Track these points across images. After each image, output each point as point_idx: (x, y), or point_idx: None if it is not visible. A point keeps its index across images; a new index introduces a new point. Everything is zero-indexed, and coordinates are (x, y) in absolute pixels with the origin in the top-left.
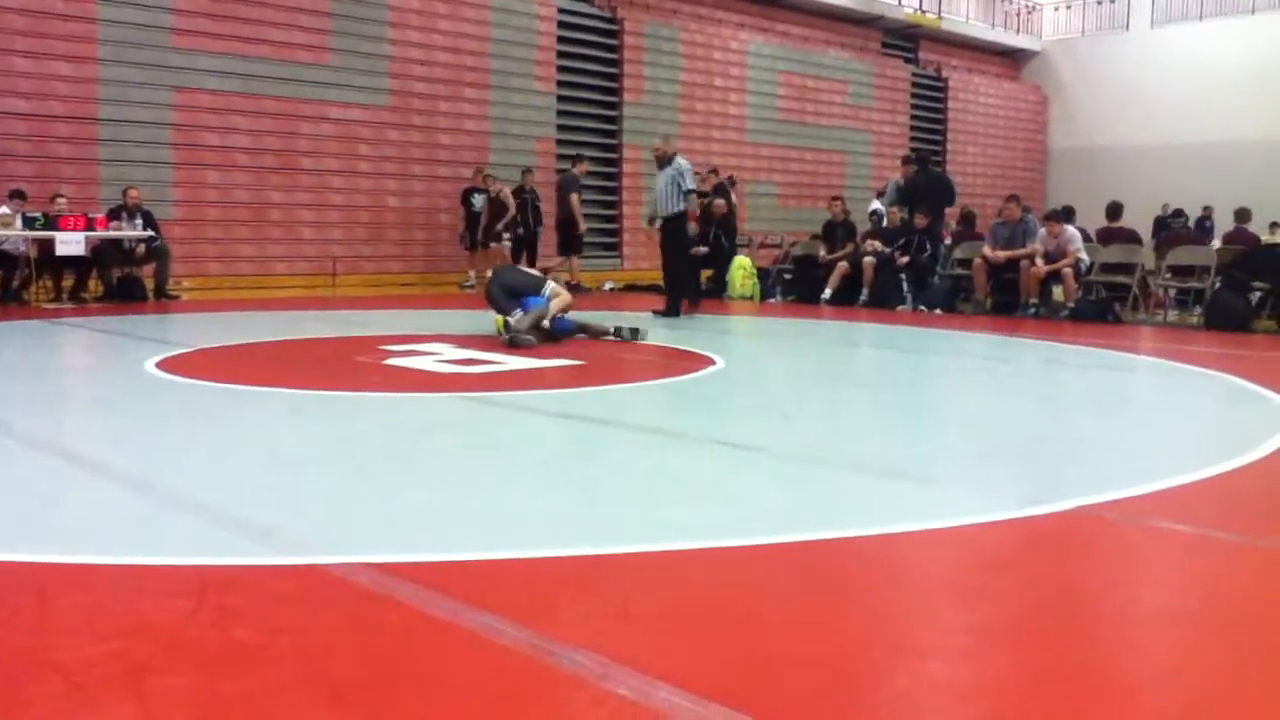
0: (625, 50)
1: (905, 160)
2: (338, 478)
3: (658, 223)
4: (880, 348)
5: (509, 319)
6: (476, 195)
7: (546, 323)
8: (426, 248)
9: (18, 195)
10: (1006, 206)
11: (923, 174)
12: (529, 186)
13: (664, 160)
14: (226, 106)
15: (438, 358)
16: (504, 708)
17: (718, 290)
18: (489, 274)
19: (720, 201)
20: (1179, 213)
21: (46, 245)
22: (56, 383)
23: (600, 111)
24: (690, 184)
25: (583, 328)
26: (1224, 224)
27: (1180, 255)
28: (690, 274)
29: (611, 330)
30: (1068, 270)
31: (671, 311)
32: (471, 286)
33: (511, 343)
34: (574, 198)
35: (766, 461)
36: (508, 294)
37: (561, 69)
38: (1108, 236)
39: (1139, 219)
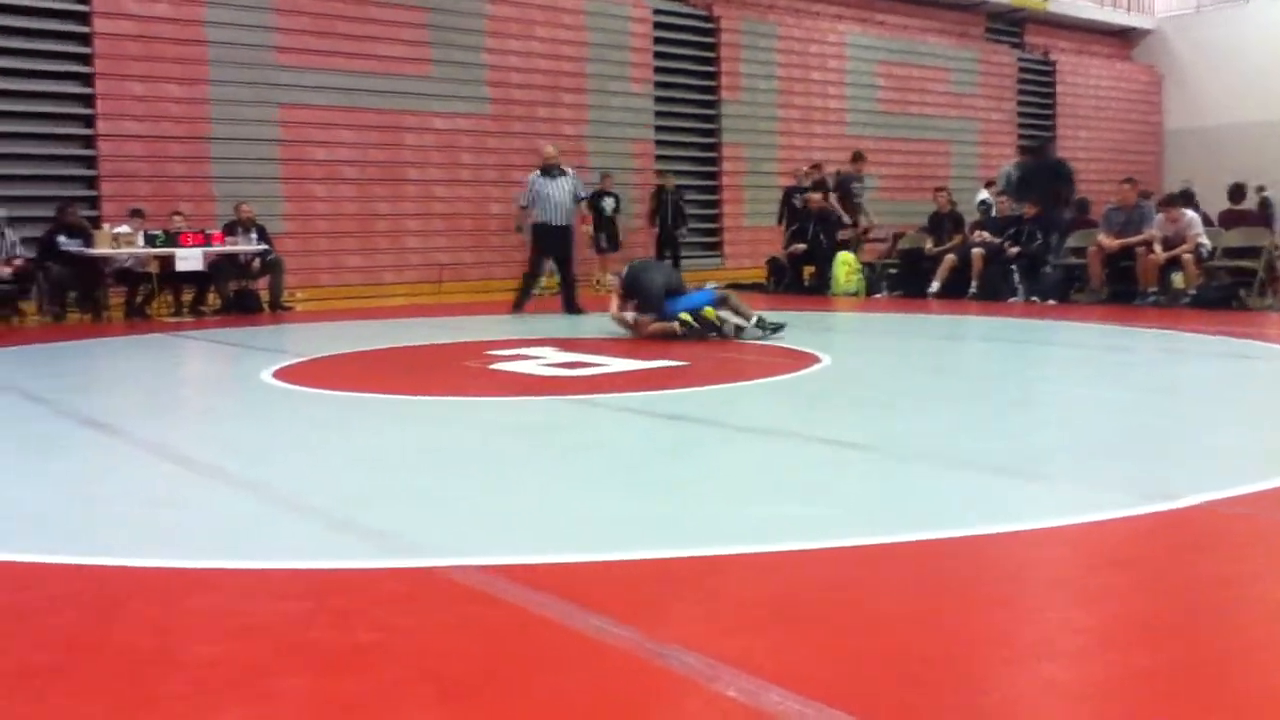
0: (722, 48)
1: (1022, 150)
2: (446, 481)
3: (524, 230)
4: (989, 341)
5: (694, 317)
6: (606, 198)
7: (740, 320)
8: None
9: (137, 214)
10: (1122, 190)
11: (1039, 161)
12: (670, 186)
13: (557, 169)
14: (330, 121)
15: (543, 361)
16: (614, 709)
17: (821, 286)
18: (625, 270)
19: (816, 196)
20: None
21: (167, 261)
22: (177, 392)
23: (698, 111)
24: (583, 193)
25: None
26: None
27: None
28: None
29: (752, 320)
30: (1187, 256)
31: (575, 308)
32: (607, 290)
33: (736, 335)
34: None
35: (874, 459)
36: (664, 292)
37: (658, 69)
38: (1231, 219)
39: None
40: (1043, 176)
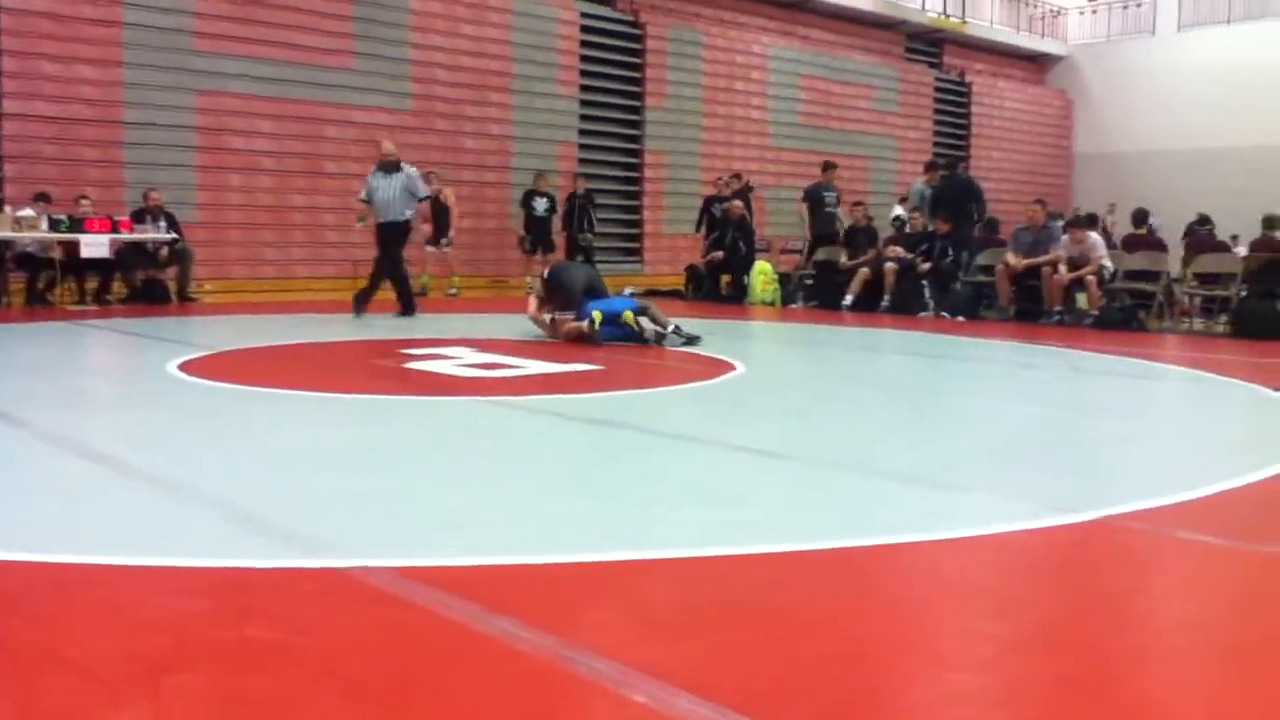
0: (648, 54)
1: (929, 166)
2: (356, 480)
3: (361, 224)
4: (902, 354)
5: (606, 320)
6: (538, 198)
7: (659, 328)
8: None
9: (42, 198)
10: (1031, 210)
11: (951, 180)
12: (579, 190)
13: (392, 166)
14: (250, 110)
15: (458, 361)
16: (521, 713)
17: (738, 295)
18: (546, 270)
19: (738, 204)
20: (1205, 219)
21: (71, 247)
22: (79, 383)
23: (622, 116)
24: (424, 191)
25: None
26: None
27: (1207, 263)
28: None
29: (670, 329)
30: (1091, 277)
31: (410, 309)
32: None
33: (656, 341)
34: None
35: (789, 467)
36: (584, 292)
37: (584, 73)
38: (1133, 243)
39: (1166, 225)
40: (955, 194)
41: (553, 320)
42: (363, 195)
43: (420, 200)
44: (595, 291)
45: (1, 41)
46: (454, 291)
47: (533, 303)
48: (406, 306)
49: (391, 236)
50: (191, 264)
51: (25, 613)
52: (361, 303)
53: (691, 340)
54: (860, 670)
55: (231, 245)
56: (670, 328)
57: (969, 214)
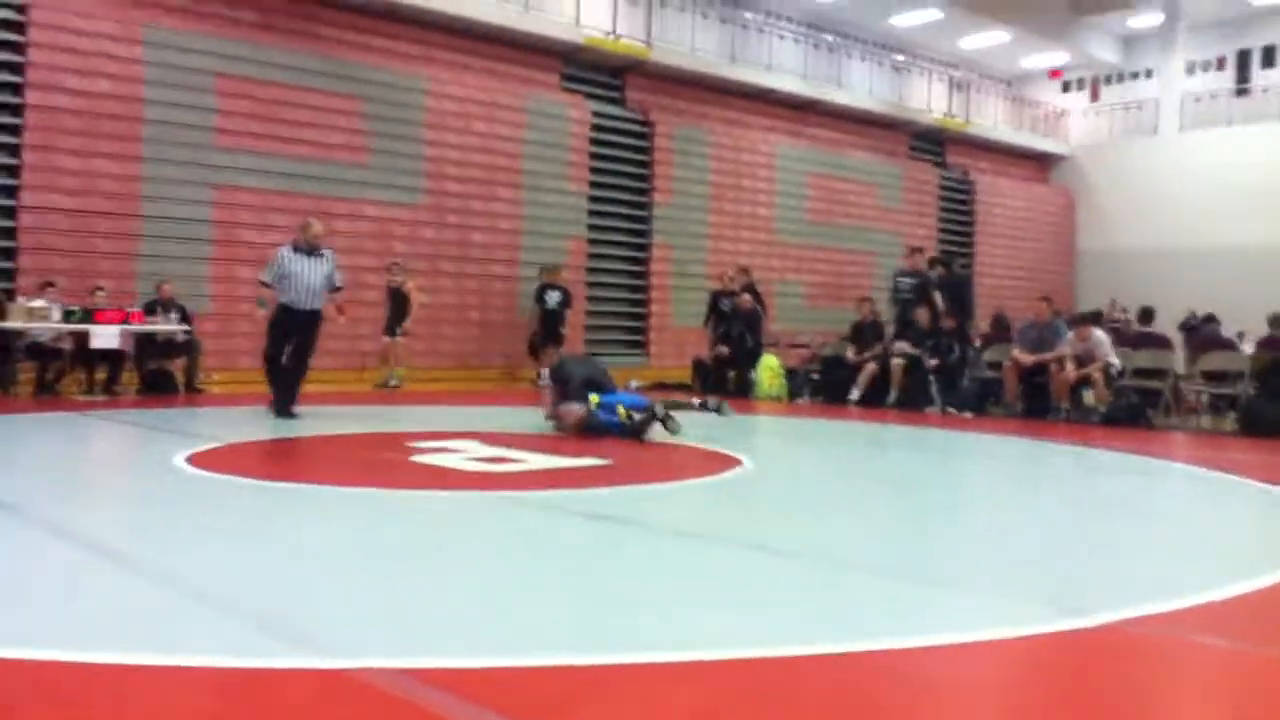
0: (656, 152)
1: (913, 250)
2: (361, 577)
3: (263, 309)
4: (909, 450)
5: (601, 414)
6: (550, 292)
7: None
8: (456, 344)
9: (49, 285)
10: (1037, 306)
11: (949, 274)
12: (557, 283)
13: (315, 248)
14: (265, 204)
15: (465, 455)
16: None
17: (744, 389)
18: (556, 363)
19: (747, 298)
20: (1210, 317)
21: (81, 338)
22: (87, 476)
23: (630, 211)
24: (340, 283)
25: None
26: (1254, 328)
27: (1214, 360)
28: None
29: (696, 404)
30: (1097, 375)
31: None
32: (545, 384)
33: (633, 434)
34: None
35: (794, 565)
36: (583, 384)
37: (593, 169)
38: (1139, 341)
39: (1167, 322)
40: (953, 289)
41: (560, 411)
42: (267, 277)
43: (334, 291)
44: (595, 384)
45: (24, 136)
46: (395, 383)
47: (547, 396)
48: (289, 406)
49: (312, 325)
50: (199, 355)
51: (27, 714)
52: (288, 402)
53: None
54: None
55: (241, 336)
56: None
57: (964, 307)
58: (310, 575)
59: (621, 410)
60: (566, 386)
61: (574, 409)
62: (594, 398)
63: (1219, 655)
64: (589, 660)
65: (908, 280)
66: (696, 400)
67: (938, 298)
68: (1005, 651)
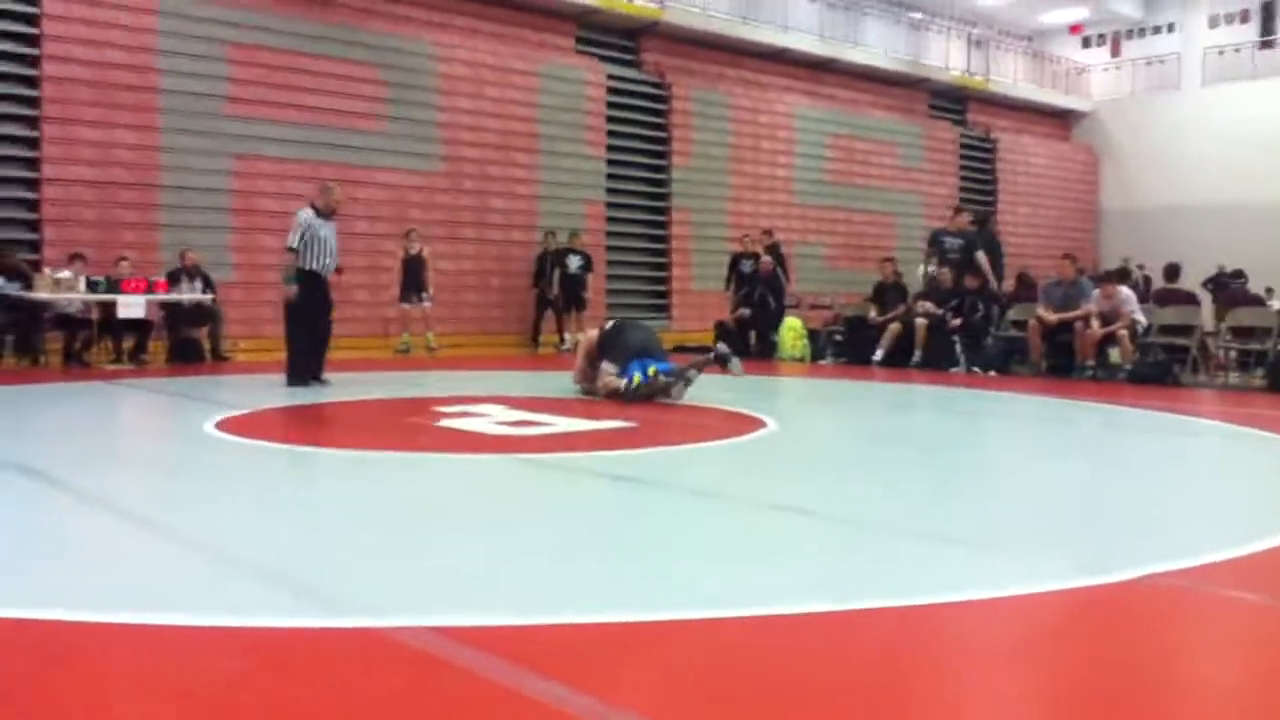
0: (673, 115)
1: (958, 209)
2: (391, 539)
3: (293, 286)
4: (934, 410)
5: (642, 380)
6: (572, 256)
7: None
8: (478, 310)
9: (77, 258)
10: (1061, 265)
11: (983, 232)
12: (552, 247)
13: (334, 212)
14: (283, 173)
15: (491, 419)
16: None
17: (767, 351)
18: (607, 325)
19: (769, 260)
20: (1238, 273)
21: (108, 308)
22: (117, 443)
23: (649, 175)
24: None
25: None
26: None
27: (1241, 316)
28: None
29: (713, 355)
30: (1123, 332)
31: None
32: (570, 349)
33: (645, 396)
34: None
35: (821, 525)
36: (638, 353)
37: (611, 134)
38: (1165, 298)
39: (1189, 279)
40: (993, 248)
41: (595, 370)
42: (296, 243)
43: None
44: (649, 353)
45: (43, 108)
46: (434, 347)
47: (580, 360)
48: (319, 373)
49: (326, 291)
50: (221, 323)
51: (66, 673)
52: (318, 370)
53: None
54: None
55: (265, 304)
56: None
57: (999, 270)
58: (340, 537)
59: (652, 370)
60: (615, 351)
61: (609, 376)
62: (637, 377)
63: (1248, 609)
64: (616, 618)
65: (954, 240)
66: (711, 352)
67: (981, 258)
68: (1031, 607)
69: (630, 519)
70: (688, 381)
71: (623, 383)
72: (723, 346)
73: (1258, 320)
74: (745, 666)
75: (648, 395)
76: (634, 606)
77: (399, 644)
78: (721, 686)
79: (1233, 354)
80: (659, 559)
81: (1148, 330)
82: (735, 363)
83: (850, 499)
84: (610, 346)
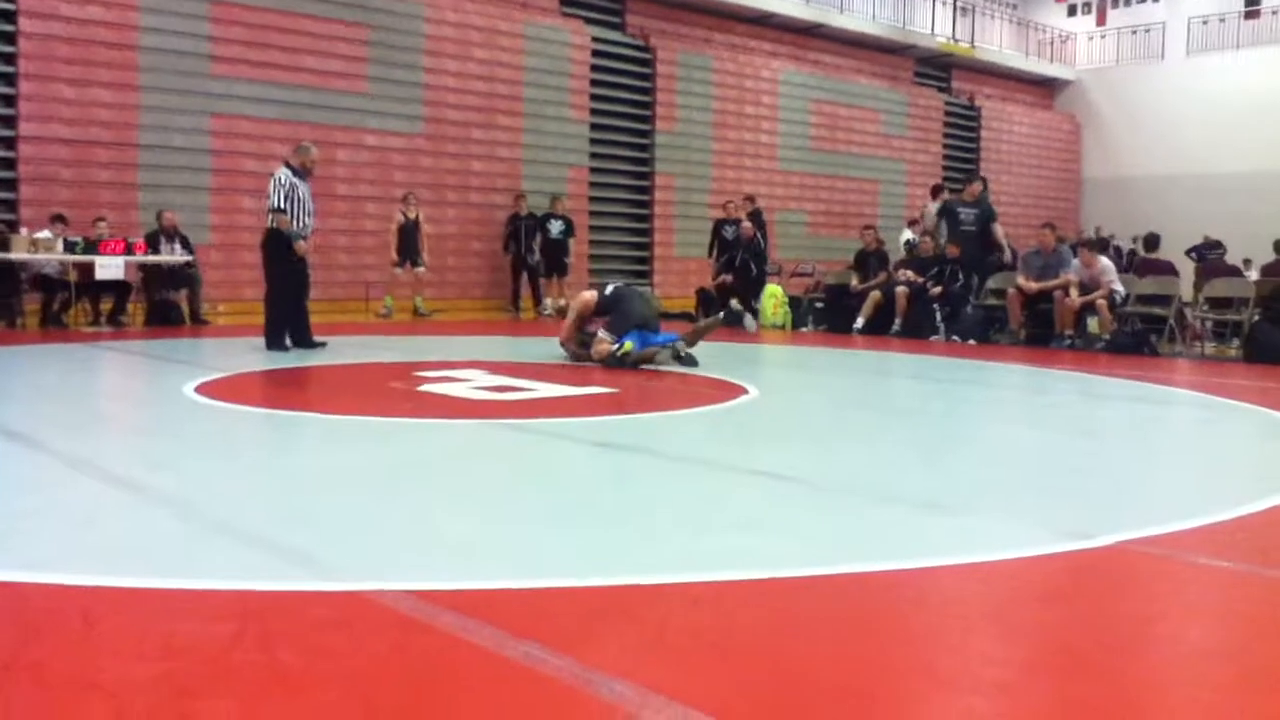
0: (658, 79)
1: (936, 190)
2: (374, 503)
3: (303, 240)
4: (914, 378)
5: (635, 347)
6: (553, 221)
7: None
8: (459, 274)
9: (59, 220)
10: (1041, 234)
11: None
12: (524, 212)
13: (310, 172)
14: (264, 133)
15: (472, 384)
16: None
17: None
18: (608, 289)
19: (749, 226)
20: (1216, 243)
21: (86, 269)
22: (98, 405)
23: (632, 140)
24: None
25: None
26: (1261, 254)
27: (1218, 287)
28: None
29: (722, 316)
30: (1102, 302)
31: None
32: (551, 315)
33: (634, 364)
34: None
35: (801, 492)
36: (638, 325)
37: (595, 97)
38: (1145, 268)
39: (1172, 249)
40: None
41: (590, 335)
42: (282, 202)
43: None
44: (647, 328)
45: (19, 65)
46: (424, 312)
47: (568, 322)
48: (307, 335)
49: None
50: (200, 286)
51: (52, 636)
52: (304, 333)
53: (687, 359)
54: (876, 695)
55: (244, 267)
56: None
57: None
58: (322, 501)
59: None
60: (617, 318)
61: (604, 343)
62: (629, 344)
63: (1222, 575)
64: (601, 582)
65: (970, 211)
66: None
67: (999, 229)
68: (1012, 572)
69: (612, 485)
70: (675, 353)
71: (614, 348)
72: (735, 304)
73: (1234, 291)
74: (724, 630)
75: (635, 364)
76: (615, 571)
77: (382, 608)
78: (699, 649)
79: (1209, 324)
80: (640, 525)
81: (1126, 300)
82: (749, 320)
83: (832, 465)
84: (609, 312)
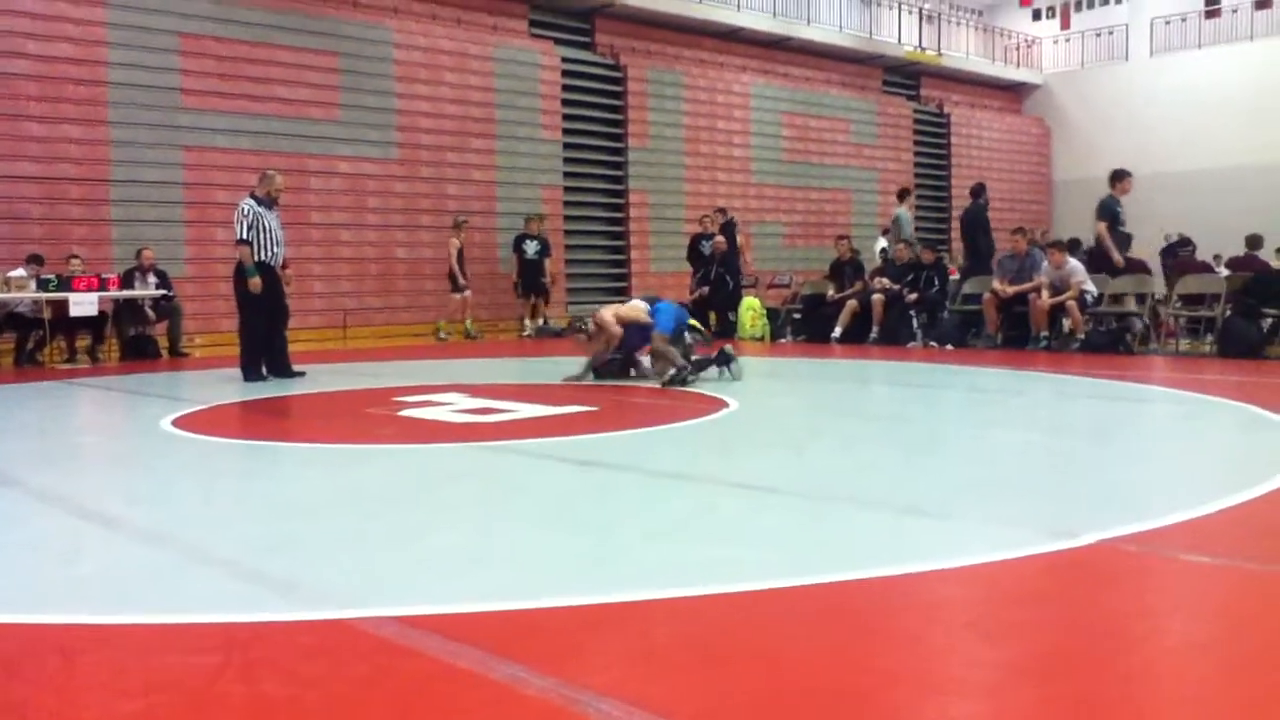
0: (629, 96)
1: (903, 194)
2: (356, 530)
3: (256, 278)
4: (892, 384)
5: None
6: (528, 241)
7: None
8: (436, 298)
9: (35, 260)
10: (1014, 239)
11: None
12: (534, 232)
13: (275, 201)
14: (237, 164)
15: (452, 407)
16: None
17: (727, 331)
18: (654, 301)
19: (721, 239)
20: (1186, 240)
21: (60, 307)
22: (73, 441)
23: (606, 158)
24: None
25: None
26: (1229, 249)
27: (1190, 284)
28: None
29: (716, 358)
30: (1071, 303)
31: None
32: (531, 335)
33: (675, 384)
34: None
35: (784, 502)
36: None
37: (567, 117)
38: (1118, 268)
39: (1143, 247)
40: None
41: (611, 348)
42: (246, 234)
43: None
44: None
45: None
46: (475, 335)
47: (605, 337)
48: (287, 368)
49: (277, 280)
50: (181, 319)
51: (30, 676)
52: (283, 363)
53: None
54: (862, 702)
55: (220, 299)
56: (670, 373)
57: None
58: (305, 530)
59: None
60: (646, 331)
61: (662, 339)
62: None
63: (1204, 570)
64: (586, 600)
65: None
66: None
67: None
68: (995, 574)
69: (596, 502)
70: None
71: (676, 369)
72: (729, 348)
73: (1205, 287)
74: (713, 642)
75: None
76: (599, 589)
77: (366, 634)
78: (685, 664)
79: (1183, 321)
80: (623, 541)
81: (1099, 300)
82: (738, 366)
83: (814, 474)
84: (651, 323)
